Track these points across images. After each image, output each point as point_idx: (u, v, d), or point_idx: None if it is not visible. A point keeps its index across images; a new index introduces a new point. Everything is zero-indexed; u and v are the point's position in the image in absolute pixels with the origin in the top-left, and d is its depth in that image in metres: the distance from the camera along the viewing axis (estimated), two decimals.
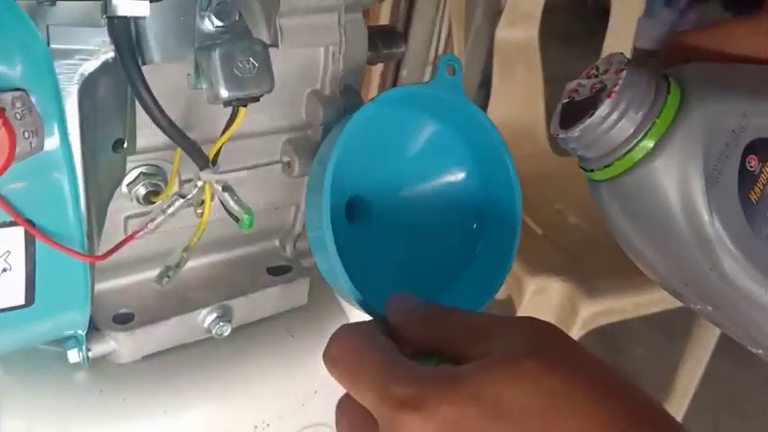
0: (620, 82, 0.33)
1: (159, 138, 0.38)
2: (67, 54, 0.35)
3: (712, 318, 0.37)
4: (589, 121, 0.33)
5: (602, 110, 0.33)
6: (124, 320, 0.47)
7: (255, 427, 0.52)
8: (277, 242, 0.55)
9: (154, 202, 0.43)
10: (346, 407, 0.33)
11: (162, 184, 0.44)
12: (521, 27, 1.35)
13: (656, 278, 0.37)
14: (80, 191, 0.36)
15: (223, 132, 0.39)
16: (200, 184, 0.40)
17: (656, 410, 0.28)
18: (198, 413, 0.49)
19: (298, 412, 0.53)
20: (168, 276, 0.42)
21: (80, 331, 0.44)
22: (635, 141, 0.33)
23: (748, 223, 0.33)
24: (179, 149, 0.40)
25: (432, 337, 0.32)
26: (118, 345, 0.47)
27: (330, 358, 0.33)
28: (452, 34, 1.32)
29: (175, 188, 0.44)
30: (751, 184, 0.33)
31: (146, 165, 0.43)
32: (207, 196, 0.41)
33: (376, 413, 0.30)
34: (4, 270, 0.36)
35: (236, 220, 0.42)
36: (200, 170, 0.40)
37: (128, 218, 0.45)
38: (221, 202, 0.42)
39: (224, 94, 0.36)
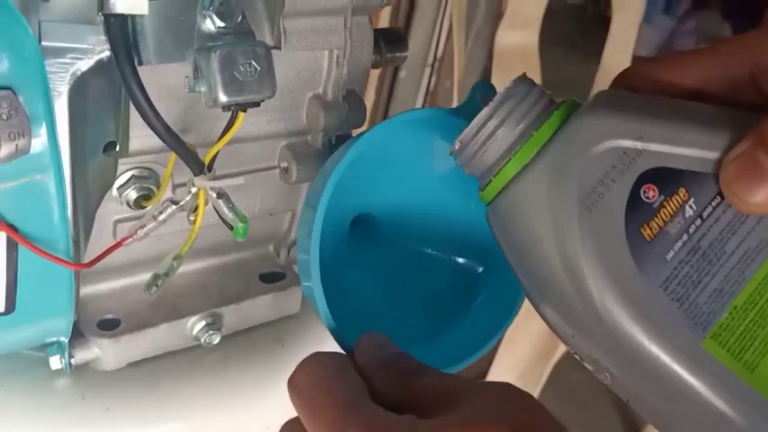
0: (502, 91, 0.30)
1: (153, 140, 0.36)
2: (60, 52, 0.33)
3: (621, 393, 0.30)
4: (466, 130, 0.30)
5: (478, 118, 0.30)
6: (109, 326, 0.45)
7: None
8: (271, 248, 0.53)
9: (144, 207, 0.41)
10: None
11: (154, 188, 0.42)
12: (521, 31, 1.34)
13: (550, 328, 0.31)
14: (67, 195, 0.34)
15: (221, 137, 0.38)
16: (194, 190, 0.39)
17: None
18: (182, 424, 0.48)
19: None
20: (157, 285, 0.41)
21: (63, 338, 0.42)
22: (510, 156, 0.29)
23: (635, 262, 0.27)
24: (173, 153, 0.38)
25: (398, 396, 0.30)
26: (102, 351, 0.45)
27: (294, 387, 0.31)
28: (453, 36, 1.31)
29: (168, 193, 0.42)
30: (646, 218, 0.28)
31: (138, 167, 0.41)
32: (201, 203, 0.39)
33: None
34: None
35: (230, 227, 0.40)
36: (195, 176, 0.38)
37: (117, 221, 0.43)
38: (215, 210, 0.40)
39: (223, 98, 0.35)
